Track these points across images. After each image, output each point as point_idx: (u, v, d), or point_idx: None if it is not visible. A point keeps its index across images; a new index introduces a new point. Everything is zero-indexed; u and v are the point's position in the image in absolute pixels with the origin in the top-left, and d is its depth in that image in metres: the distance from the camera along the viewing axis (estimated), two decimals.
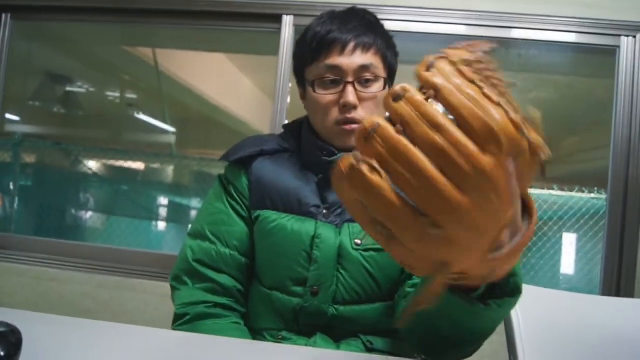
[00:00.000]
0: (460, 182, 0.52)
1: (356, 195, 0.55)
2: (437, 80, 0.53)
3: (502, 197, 0.54)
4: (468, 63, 0.54)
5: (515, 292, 0.75)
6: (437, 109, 0.52)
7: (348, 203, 0.57)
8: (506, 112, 0.52)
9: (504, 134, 0.51)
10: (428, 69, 0.54)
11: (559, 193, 2.63)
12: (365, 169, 0.53)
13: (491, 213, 0.54)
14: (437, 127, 0.52)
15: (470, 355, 0.86)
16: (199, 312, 1.08)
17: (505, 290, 0.74)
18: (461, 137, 0.51)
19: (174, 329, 1.11)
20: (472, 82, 0.53)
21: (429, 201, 0.53)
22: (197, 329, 1.06)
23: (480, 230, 0.55)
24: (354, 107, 1.08)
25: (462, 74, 0.54)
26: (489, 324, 0.78)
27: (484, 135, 0.52)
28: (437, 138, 0.51)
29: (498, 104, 0.52)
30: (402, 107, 0.53)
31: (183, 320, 1.08)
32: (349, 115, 1.08)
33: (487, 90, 0.52)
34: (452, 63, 0.54)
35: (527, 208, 0.61)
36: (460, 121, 0.52)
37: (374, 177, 0.53)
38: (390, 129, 0.52)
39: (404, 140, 0.52)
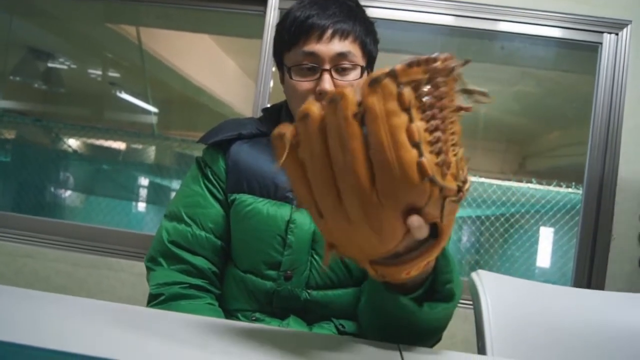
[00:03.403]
0: (346, 202, 0.58)
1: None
2: (371, 100, 0.55)
3: (380, 232, 0.59)
4: (416, 85, 0.55)
5: (449, 299, 0.80)
6: (357, 130, 0.55)
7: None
8: (420, 153, 0.54)
9: (402, 179, 0.54)
10: (374, 83, 0.55)
11: (537, 187, 2.66)
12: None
13: (363, 237, 0.60)
14: (345, 147, 0.56)
15: (430, 346, 0.89)
16: (173, 292, 1.09)
17: (440, 296, 0.79)
18: (360, 166, 0.55)
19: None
20: (406, 109, 0.54)
21: (320, 199, 0.60)
22: (172, 309, 1.06)
23: (351, 242, 0.62)
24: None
25: (401, 97, 0.54)
26: (427, 324, 0.81)
27: (381, 174, 0.55)
28: (340, 157, 0.56)
29: (416, 145, 0.54)
30: (330, 114, 0.57)
31: (157, 301, 1.09)
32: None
33: (413, 125, 0.54)
34: (399, 83, 0.55)
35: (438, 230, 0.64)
36: (372, 150, 0.55)
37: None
38: (314, 124, 0.59)
39: (319, 146, 0.58)
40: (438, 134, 0.56)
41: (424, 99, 0.56)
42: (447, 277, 0.80)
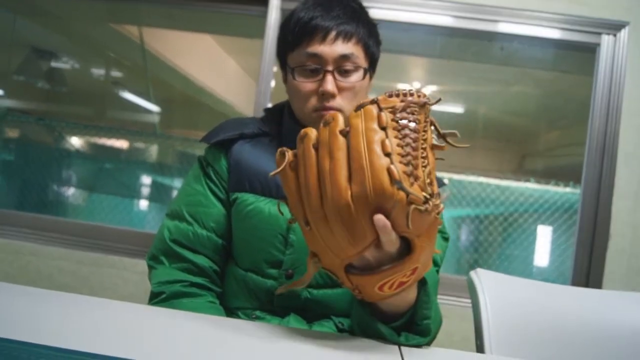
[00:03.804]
0: (325, 204, 0.70)
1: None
2: (355, 121, 0.70)
3: (352, 232, 0.69)
4: (393, 110, 0.70)
5: (425, 334, 0.85)
6: (341, 143, 0.69)
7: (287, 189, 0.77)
8: (391, 161, 0.66)
9: (372, 182, 0.66)
10: (359, 108, 0.71)
11: (535, 186, 2.67)
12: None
13: (337, 237, 0.71)
14: (331, 157, 0.69)
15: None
16: (175, 290, 1.10)
17: (417, 330, 0.85)
18: (340, 170, 0.68)
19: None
20: (383, 128, 0.68)
21: (307, 203, 0.72)
22: (173, 307, 1.07)
23: (329, 244, 0.73)
24: (333, 96, 1.09)
25: (379, 118, 0.69)
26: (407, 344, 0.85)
27: (356, 177, 0.67)
28: (327, 164, 0.69)
29: (387, 154, 0.66)
30: (323, 131, 0.72)
31: (159, 299, 1.10)
32: (327, 104, 1.10)
33: (387, 140, 0.67)
34: (380, 108, 0.70)
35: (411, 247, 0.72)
36: (351, 158, 0.68)
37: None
38: (309, 143, 0.72)
39: (312, 158, 0.71)
40: (408, 149, 0.68)
41: (400, 122, 0.69)
42: (426, 312, 0.85)
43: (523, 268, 2.72)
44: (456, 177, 2.67)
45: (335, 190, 0.68)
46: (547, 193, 2.61)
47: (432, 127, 0.74)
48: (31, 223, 2.50)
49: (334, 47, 1.09)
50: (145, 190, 3.25)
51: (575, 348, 1.17)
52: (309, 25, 1.10)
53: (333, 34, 1.09)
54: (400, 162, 0.66)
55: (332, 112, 0.73)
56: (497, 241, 2.71)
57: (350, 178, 0.68)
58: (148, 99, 3.29)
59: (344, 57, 1.10)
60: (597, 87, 2.32)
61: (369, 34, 1.15)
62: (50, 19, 3.11)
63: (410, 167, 0.67)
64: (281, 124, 1.24)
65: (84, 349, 0.60)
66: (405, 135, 0.68)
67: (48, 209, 3.05)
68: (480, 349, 1.13)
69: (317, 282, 1.10)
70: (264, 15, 2.41)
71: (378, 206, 0.67)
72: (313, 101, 1.12)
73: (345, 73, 1.11)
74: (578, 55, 2.55)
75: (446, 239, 1.20)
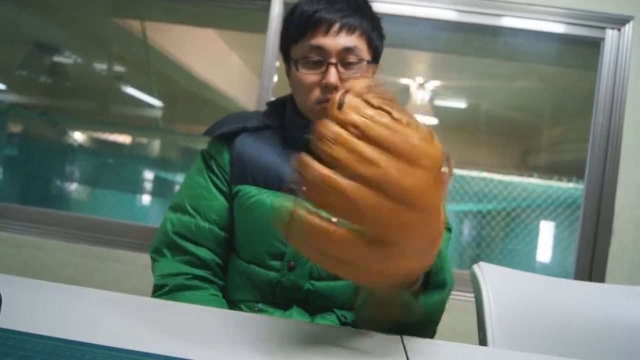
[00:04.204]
0: (401, 199, 0.57)
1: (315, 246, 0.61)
2: (353, 117, 0.58)
3: (433, 209, 0.60)
4: (369, 89, 0.60)
5: (442, 286, 0.82)
6: (362, 145, 0.56)
7: (308, 253, 0.64)
8: (417, 130, 0.58)
9: (424, 153, 0.57)
10: (339, 107, 0.59)
11: (538, 181, 2.67)
12: (309, 216, 0.58)
13: (427, 222, 0.60)
14: (367, 161, 0.56)
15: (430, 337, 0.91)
16: (177, 283, 1.10)
17: (434, 284, 0.81)
18: (392, 168, 0.56)
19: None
20: (379, 107, 0.58)
21: (374, 221, 0.58)
22: (176, 300, 1.08)
23: (421, 237, 0.62)
24: (335, 88, 1.09)
25: (368, 102, 0.58)
26: (421, 316, 0.82)
27: (409, 157, 0.57)
28: (368, 170, 0.56)
29: (407, 124, 0.57)
30: (334, 149, 0.57)
31: (162, 291, 1.10)
32: (330, 96, 1.10)
33: (395, 114, 0.58)
34: (358, 94, 0.59)
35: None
36: (387, 150, 0.56)
37: (322, 223, 0.58)
38: (317, 169, 0.57)
39: (334, 178, 0.56)
40: (407, 115, 0.59)
41: (381, 95, 0.60)
42: (438, 264, 0.80)
43: (525, 263, 2.72)
44: (459, 172, 2.66)
45: (400, 183, 0.57)
46: (549, 188, 2.61)
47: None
48: (34, 217, 2.51)
49: (338, 40, 1.09)
50: (148, 185, 3.26)
51: (578, 342, 1.17)
52: (313, 18, 1.10)
53: (336, 26, 1.09)
54: (413, 127, 0.58)
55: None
56: (500, 236, 2.71)
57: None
58: (151, 93, 3.29)
59: (348, 50, 1.10)
60: (601, 82, 2.31)
61: (373, 27, 1.15)
62: (53, 13, 3.12)
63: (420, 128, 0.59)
64: (284, 117, 1.24)
65: (86, 340, 0.61)
66: (391, 101, 0.60)
67: (51, 203, 3.06)
68: (483, 342, 1.13)
69: (319, 274, 1.10)
70: (267, 10, 2.41)
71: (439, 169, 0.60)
72: (316, 93, 1.12)
73: (348, 65, 1.11)
74: (581, 50, 2.54)
75: (449, 230, 1.20)
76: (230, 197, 1.18)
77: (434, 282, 0.81)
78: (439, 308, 0.85)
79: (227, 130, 1.20)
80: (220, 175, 1.20)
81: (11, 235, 2.44)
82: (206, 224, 1.16)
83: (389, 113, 0.58)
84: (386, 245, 0.60)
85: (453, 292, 2.03)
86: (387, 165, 0.56)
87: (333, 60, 1.10)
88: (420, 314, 0.82)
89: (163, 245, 1.17)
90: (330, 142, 0.57)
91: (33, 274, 2.35)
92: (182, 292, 1.09)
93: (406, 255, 0.63)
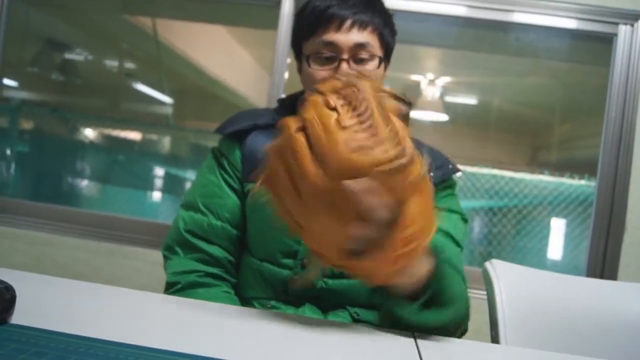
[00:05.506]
0: (305, 198, 0.70)
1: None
2: (305, 113, 0.72)
3: (336, 209, 0.69)
4: (335, 90, 0.72)
5: (443, 307, 0.83)
6: (300, 139, 0.70)
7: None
8: (351, 135, 0.67)
9: (338, 156, 0.66)
10: (305, 102, 0.74)
11: (549, 178, 2.66)
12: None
13: (324, 225, 0.71)
14: (294, 154, 0.70)
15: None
16: (190, 280, 1.10)
17: (434, 304, 0.83)
18: (305, 159, 0.68)
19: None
20: (333, 108, 0.69)
21: (291, 206, 0.74)
22: (188, 297, 1.08)
23: (323, 234, 0.73)
24: None
25: (327, 102, 0.70)
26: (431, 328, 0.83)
27: (322, 159, 0.68)
28: (295, 166, 0.70)
29: (344, 128, 0.67)
30: (282, 139, 0.73)
31: (174, 289, 1.10)
32: None
33: (341, 117, 0.68)
34: (323, 94, 0.72)
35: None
36: (313, 144, 0.69)
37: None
38: (275, 157, 0.74)
39: (280, 166, 0.73)
40: (364, 118, 0.68)
41: (347, 98, 0.70)
42: (439, 286, 0.83)
43: (536, 261, 2.71)
44: (470, 169, 2.65)
45: (308, 179, 0.68)
46: (561, 185, 2.60)
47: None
48: (46, 213, 2.53)
49: (350, 36, 1.09)
50: (159, 182, 3.27)
51: (590, 340, 1.17)
52: (325, 14, 1.10)
53: (349, 22, 1.09)
54: (359, 132, 0.67)
55: (282, 119, 0.75)
56: (511, 233, 2.70)
57: (320, 165, 0.68)
58: (161, 90, 3.29)
59: (360, 46, 1.09)
60: (613, 78, 2.29)
61: (385, 23, 1.15)
62: (64, 10, 3.13)
63: (371, 132, 0.68)
64: (294, 114, 1.23)
65: (98, 336, 0.61)
66: (357, 107, 0.69)
67: (62, 199, 3.07)
68: (495, 339, 1.13)
69: (332, 271, 1.10)
70: (277, 6, 2.41)
71: (351, 178, 0.67)
72: None
73: (360, 62, 1.11)
74: (593, 46, 2.52)
75: (465, 220, 1.20)
76: (242, 194, 1.18)
77: (434, 300, 0.83)
78: (443, 326, 0.84)
79: (238, 128, 1.20)
80: (232, 173, 1.19)
81: (23, 231, 2.45)
82: (218, 222, 1.16)
83: (338, 114, 0.69)
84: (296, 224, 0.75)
85: None
86: (305, 160, 0.68)
87: (345, 56, 1.09)
88: (418, 328, 0.83)
89: (175, 243, 1.17)
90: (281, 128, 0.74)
91: (44, 270, 2.37)
92: (195, 290, 1.09)
93: (314, 239, 0.76)
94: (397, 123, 0.72)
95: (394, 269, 0.75)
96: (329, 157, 0.67)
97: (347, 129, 0.67)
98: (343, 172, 0.67)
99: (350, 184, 0.66)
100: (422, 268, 0.81)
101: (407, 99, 0.77)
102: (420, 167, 0.70)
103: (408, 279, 0.80)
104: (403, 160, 0.67)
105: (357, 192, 0.67)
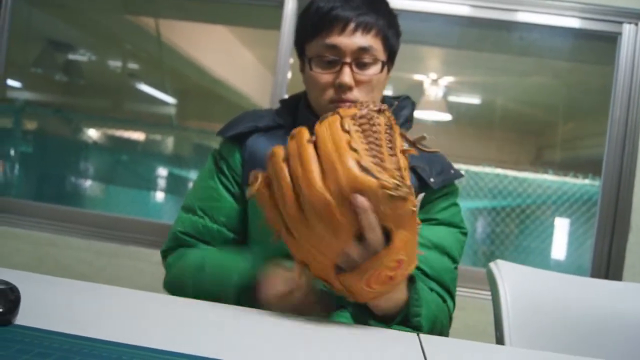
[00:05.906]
0: (305, 208, 0.73)
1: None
2: (320, 129, 0.76)
3: (334, 226, 0.73)
4: (353, 117, 0.77)
5: (418, 330, 0.92)
6: (309, 150, 0.74)
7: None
8: (360, 157, 0.72)
9: (345, 174, 0.71)
10: (322, 119, 0.78)
11: (553, 178, 2.65)
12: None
13: (320, 234, 0.74)
14: (302, 164, 0.74)
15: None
16: (183, 252, 1.16)
17: (410, 326, 0.92)
18: (313, 173, 0.72)
19: (165, 284, 1.16)
20: (346, 131, 0.74)
21: (286, 213, 0.76)
22: (186, 258, 1.12)
23: (314, 244, 0.76)
24: (350, 89, 1.08)
25: (342, 124, 0.76)
26: None
27: (329, 175, 0.72)
28: (299, 172, 0.74)
29: (355, 150, 0.73)
30: (291, 144, 0.77)
31: (171, 260, 1.17)
32: (344, 96, 1.09)
33: (352, 141, 0.74)
34: (341, 118, 0.77)
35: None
36: (322, 160, 0.73)
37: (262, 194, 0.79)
38: (279, 158, 0.77)
39: (283, 170, 0.76)
40: (373, 146, 0.75)
41: (362, 126, 0.76)
42: (417, 310, 0.91)
43: (540, 260, 2.70)
44: (473, 168, 2.65)
45: (313, 191, 0.72)
46: (565, 185, 2.59)
47: (404, 139, 0.82)
48: (49, 214, 2.53)
49: (353, 39, 1.08)
50: (162, 182, 3.27)
51: (595, 340, 1.16)
52: (329, 16, 1.08)
53: (352, 25, 1.08)
54: (367, 156, 0.73)
55: (296, 128, 0.79)
56: (514, 233, 2.70)
57: (324, 180, 0.72)
58: (164, 90, 3.30)
59: (363, 50, 1.08)
60: (617, 77, 2.29)
61: (389, 25, 1.13)
62: (67, 11, 3.13)
63: (377, 160, 0.74)
64: (296, 116, 1.23)
65: (101, 337, 0.61)
66: (368, 136, 0.76)
67: (66, 200, 3.08)
68: (499, 340, 1.13)
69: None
70: (280, 6, 2.41)
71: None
72: (330, 93, 1.10)
73: (363, 66, 1.09)
74: (597, 45, 2.52)
75: (464, 234, 1.20)
76: (241, 198, 1.18)
77: (411, 323, 0.92)
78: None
79: (238, 131, 1.19)
80: (230, 177, 1.19)
81: (26, 231, 2.45)
82: (214, 225, 1.16)
83: (350, 137, 0.74)
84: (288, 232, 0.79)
85: (468, 290, 2.02)
86: (314, 171, 0.73)
87: (348, 60, 1.08)
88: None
89: (172, 244, 1.19)
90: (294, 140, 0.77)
91: (48, 270, 2.37)
92: (191, 249, 1.14)
93: (301, 249, 0.79)
94: (402, 160, 0.78)
95: (376, 290, 0.79)
96: (338, 173, 0.71)
97: (356, 152, 0.72)
98: (350, 189, 0.71)
99: (360, 197, 0.71)
100: (400, 294, 0.89)
101: (419, 143, 0.83)
102: (413, 204, 0.75)
103: (384, 303, 0.89)
104: (404, 191, 0.73)
105: (363, 207, 0.71)
